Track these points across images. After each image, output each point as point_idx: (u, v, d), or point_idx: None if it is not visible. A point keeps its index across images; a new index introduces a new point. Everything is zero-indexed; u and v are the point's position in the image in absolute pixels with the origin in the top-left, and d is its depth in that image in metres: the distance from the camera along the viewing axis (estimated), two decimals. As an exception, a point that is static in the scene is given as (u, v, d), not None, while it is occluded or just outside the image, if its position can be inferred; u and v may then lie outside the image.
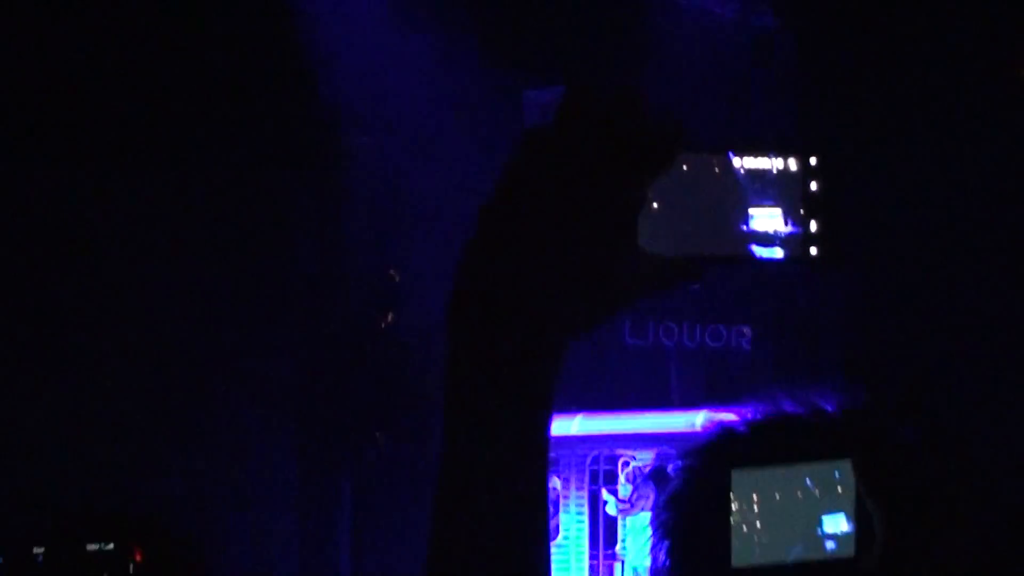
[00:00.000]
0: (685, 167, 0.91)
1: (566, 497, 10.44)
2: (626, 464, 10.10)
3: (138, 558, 3.00)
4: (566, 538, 10.47)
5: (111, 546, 3.02)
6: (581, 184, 0.84)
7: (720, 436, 0.96)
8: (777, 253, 0.93)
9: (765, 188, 0.93)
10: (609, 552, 10.09)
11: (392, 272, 9.14)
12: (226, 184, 8.33)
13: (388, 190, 8.99)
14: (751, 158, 0.94)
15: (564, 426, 10.42)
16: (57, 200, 8.10)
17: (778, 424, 0.97)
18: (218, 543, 9.26)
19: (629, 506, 10.40)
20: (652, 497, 9.97)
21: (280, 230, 8.96)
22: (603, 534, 10.08)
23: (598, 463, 10.20)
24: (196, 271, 8.53)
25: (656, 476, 10.29)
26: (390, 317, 9.12)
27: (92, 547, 3.04)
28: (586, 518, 9.94)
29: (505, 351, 0.81)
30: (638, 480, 10.32)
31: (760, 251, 0.93)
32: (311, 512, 9.53)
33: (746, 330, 9.95)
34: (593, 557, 10.07)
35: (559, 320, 0.84)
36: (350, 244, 9.29)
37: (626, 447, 10.62)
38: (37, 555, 3.07)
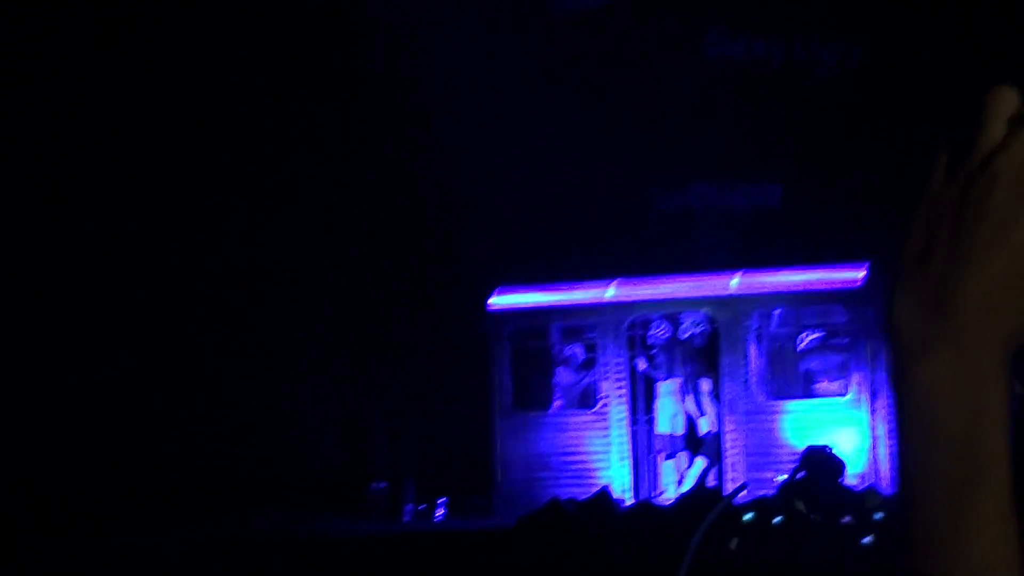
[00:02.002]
0: None
1: (604, 363, 9.27)
2: (659, 327, 9.33)
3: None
4: (604, 405, 9.22)
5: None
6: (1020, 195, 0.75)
7: None
8: None
9: None
10: (648, 417, 9.35)
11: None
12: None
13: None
14: None
15: (599, 292, 9.36)
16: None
17: None
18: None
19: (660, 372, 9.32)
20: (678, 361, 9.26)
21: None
22: (641, 400, 9.49)
23: (635, 329, 9.35)
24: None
25: (671, 343, 9.27)
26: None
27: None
28: (625, 383, 9.36)
29: (948, 368, 0.74)
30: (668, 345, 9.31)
31: None
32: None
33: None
34: (632, 422, 9.32)
35: (1002, 332, 0.76)
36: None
37: (661, 311, 9.17)
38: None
